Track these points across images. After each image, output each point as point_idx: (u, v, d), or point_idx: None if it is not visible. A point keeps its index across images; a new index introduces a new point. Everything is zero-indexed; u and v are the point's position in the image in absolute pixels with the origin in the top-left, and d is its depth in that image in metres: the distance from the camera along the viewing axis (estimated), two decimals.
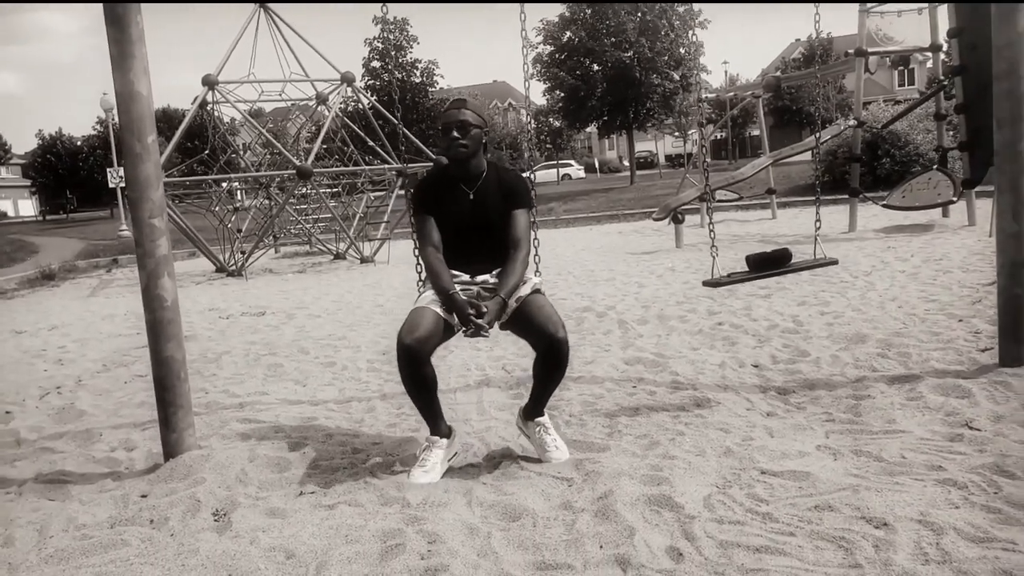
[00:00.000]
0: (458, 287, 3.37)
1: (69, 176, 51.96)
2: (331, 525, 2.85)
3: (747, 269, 4.30)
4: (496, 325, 3.36)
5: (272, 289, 11.03)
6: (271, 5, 13.78)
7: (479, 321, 3.22)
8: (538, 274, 3.67)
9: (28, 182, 60.44)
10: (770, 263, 4.27)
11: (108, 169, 30.01)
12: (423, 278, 3.61)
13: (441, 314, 3.29)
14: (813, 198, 17.99)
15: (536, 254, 3.66)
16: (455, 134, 3.34)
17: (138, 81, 3.43)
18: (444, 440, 3.39)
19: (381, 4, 4.10)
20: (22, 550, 2.91)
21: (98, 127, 54.68)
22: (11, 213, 66.03)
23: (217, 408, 4.67)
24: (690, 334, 5.75)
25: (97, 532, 3.00)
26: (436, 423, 3.39)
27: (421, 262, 3.56)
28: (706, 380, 4.55)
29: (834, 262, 4.66)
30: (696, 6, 33.18)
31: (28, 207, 67.77)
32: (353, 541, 2.70)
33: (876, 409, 3.74)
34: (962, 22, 10.52)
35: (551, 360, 3.32)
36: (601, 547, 2.52)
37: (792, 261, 4.38)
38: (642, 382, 4.62)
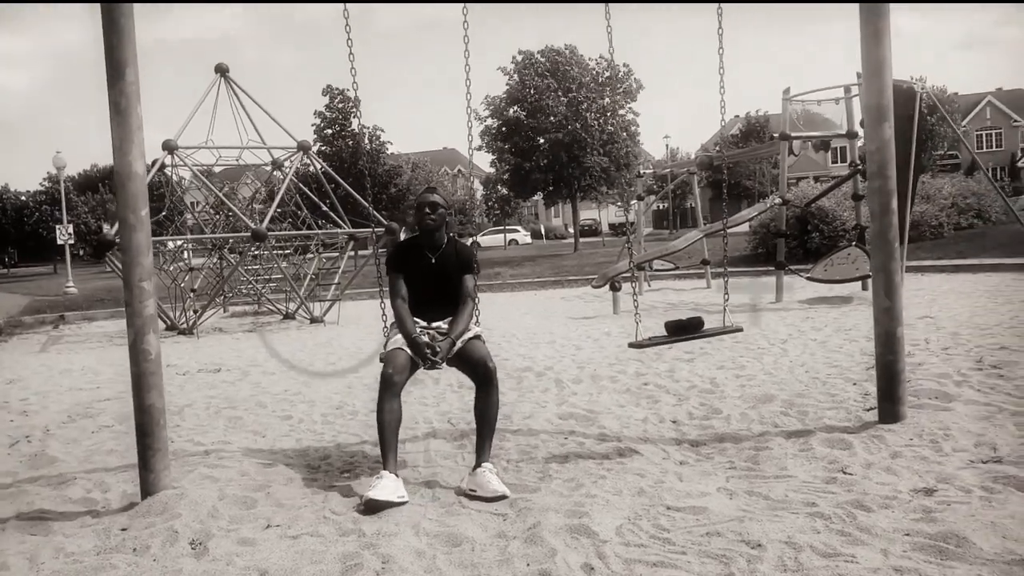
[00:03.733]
0: (418, 330, 4.29)
1: (13, 230, 51.41)
2: (297, 551, 3.31)
3: (666, 333, 4.91)
4: (444, 363, 4.28)
5: (224, 347, 11.34)
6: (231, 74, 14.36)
7: (434, 358, 4.16)
8: (478, 324, 4.54)
9: None
10: (685, 329, 4.90)
11: (58, 226, 29.90)
12: (389, 324, 4.54)
13: (409, 353, 4.21)
14: (746, 269, 18.62)
15: (477, 309, 4.55)
16: (427, 210, 4.37)
17: (136, 163, 3.95)
18: (394, 475, 3.91)
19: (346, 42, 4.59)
20: (18, 574, 3.29)
21: (45, 183, 54.44)
22: None
23: (184, 455, 5.06)
24: (619, 392, 6.33)
25: (85, 559, 3.41)
26: (390, 461, 3.94)
27: (391, 311, 4.42)
28: (630, 433, 5.11)
29: (739, 329, 5.29)
30: (634, 80, 34.72)
31: None
32: (317, 562, 3.17)
33: (772, 459, 4.32)
34: None
35: (484, 384, 4.23)
36: (528, 564, 3.04)
37: (704, 327, 5.00)
38: (573, 434, 5.16)
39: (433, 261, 4.42)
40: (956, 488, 3.57)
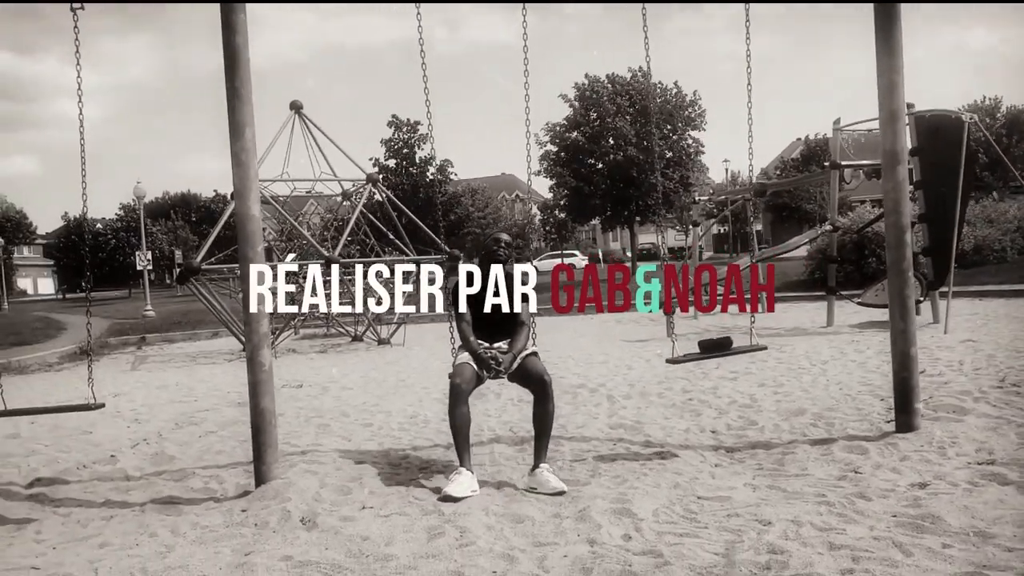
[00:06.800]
0: (482, 347, 4.97)
1: (91, 257, 53.92)
2: (390, 524, 4.06)
3: (699, 351, 5.57)
4: (506, 376, 4.88)
5: (300, 367, 12.22)
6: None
7: (498, 367, 4.83)
8: (535, 344, 5.16)
9: (50, 261, 62.46)
10: (716, 347, 5.54)
11: (137, 252, 31.62)
12: (456, 346, 5.22)
13: (474, 367, 4.85)
14: (803, 293, 18.84)
15: (534, 333, 5.19)
16: (502, 245, 5.14)
17: (254, 207, 4.78)
18: (469, 472, 4.61)
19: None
20: (167, 539, 4.10)
21: (119, 212, 57.13)
22: (30, 291, 68.02)
23: (284, 454, 5.84)
24: (665, 407, 6.96)
25: (218, 529, 4.21)
26: (465, 458, 4.66)
27: (456, 333, 5.16)
28: (672, 441, 5.75)
29: (764, 348, 5.91)
30: (699, 106, 35.16)
31: (47, 285, 69.89)
32: (408, 531, 3.92)
33: (795, 461, 4.93)
34: (922, 143, 11.98)
35: (541, 395, 4.81)
36: (578, 535, 3.74)
37: (733, 346, 5.63)
38: (621, 441, 5.82)
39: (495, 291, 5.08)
40: (947, 483, 4.16)
